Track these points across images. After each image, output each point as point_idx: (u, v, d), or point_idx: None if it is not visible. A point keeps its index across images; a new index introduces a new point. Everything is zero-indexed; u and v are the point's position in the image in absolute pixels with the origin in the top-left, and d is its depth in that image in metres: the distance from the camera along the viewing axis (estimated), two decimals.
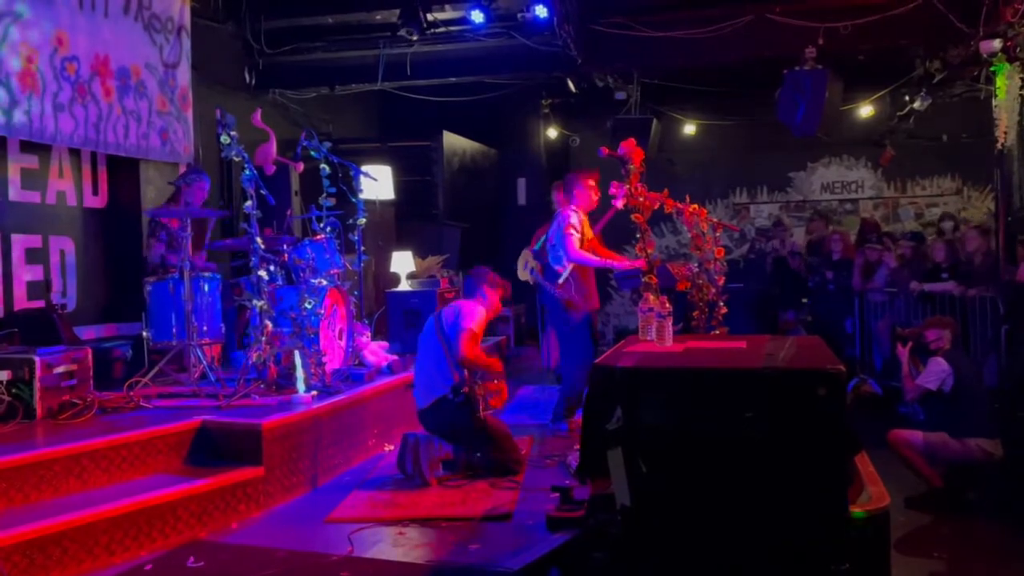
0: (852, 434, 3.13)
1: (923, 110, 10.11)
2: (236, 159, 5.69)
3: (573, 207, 6.28)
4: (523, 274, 7.54)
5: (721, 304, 5.63)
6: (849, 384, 8.05)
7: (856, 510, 3.23)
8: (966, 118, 10.64)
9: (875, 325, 8.98)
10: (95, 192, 7.06)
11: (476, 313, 5.25)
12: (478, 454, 5.14)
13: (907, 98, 10.31)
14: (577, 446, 3.95)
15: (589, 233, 6.32)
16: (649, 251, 5.01)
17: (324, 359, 5.75)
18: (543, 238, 6.78)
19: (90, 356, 5.36)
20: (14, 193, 6.32)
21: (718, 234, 5.92)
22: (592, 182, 6.29)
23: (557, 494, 4.33)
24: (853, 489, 3.32)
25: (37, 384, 4.94)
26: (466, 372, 5.11)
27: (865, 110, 10.76)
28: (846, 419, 3.07)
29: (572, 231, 6.14)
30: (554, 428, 6.35)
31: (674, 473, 3.20)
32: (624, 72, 9.93)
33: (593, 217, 6.58)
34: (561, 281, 6.22)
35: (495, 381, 5.24)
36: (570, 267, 6.18)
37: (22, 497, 4.08)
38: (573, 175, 6.41)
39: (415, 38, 8.95)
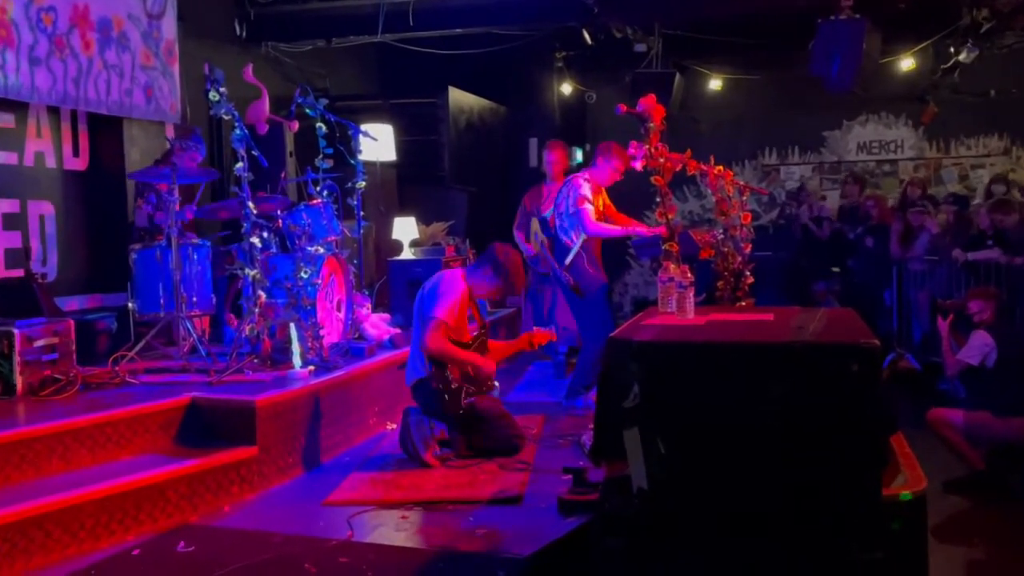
0: (887, 413, 3.13)
1: (969, 63, 9.96)
2: (226, 117, 5.67)
3: (587, 176, 6.29)
4: (530, 246, 7.56)
5: (747, 274, 5.61)
6: (885, 359, 8.04)
7: (891, 494, 3.23)
8: (1016, 72, 10.51)
9: (914, 296, 8.95)
10: (76, 153, 7.06)
11: (453, 294, 5.03)
12: (470, 437, 5.13)
13: (952, 50, 10.16)
14: (591, 425, 3.95)
15: (600, 203, 6.34)
16: (670, 217, 4.99)
17: (321, 332, 5.77)
18: (549, 210, 6.77)
19: (72, 329, 5.38)
20: None
21: (745, 198, 5.88)
22: (623, 167, 6.29)
23: (570, 476, 4.34)
24: (888, 472, 3.32)
25: (16, 359, 4.97)
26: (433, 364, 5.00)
27: (906, 63, 10.63)
28: (881, 397, 3.07)
29: (587, 204, 6.17)
30: (568, 405, 6.37)
31: (694, 454, 3.21)
32: (644, 22, 9.83)
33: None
34: (569, 260, 6.25)
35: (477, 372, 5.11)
36: (580, 240, 6.19)
37: (2, 478, 4.12)
38: (607, 147, 6.35)
39: None
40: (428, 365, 5.01)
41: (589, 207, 6.17)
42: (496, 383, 5.97)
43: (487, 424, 5.11)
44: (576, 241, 6.21)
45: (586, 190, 6.21)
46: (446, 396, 5.00)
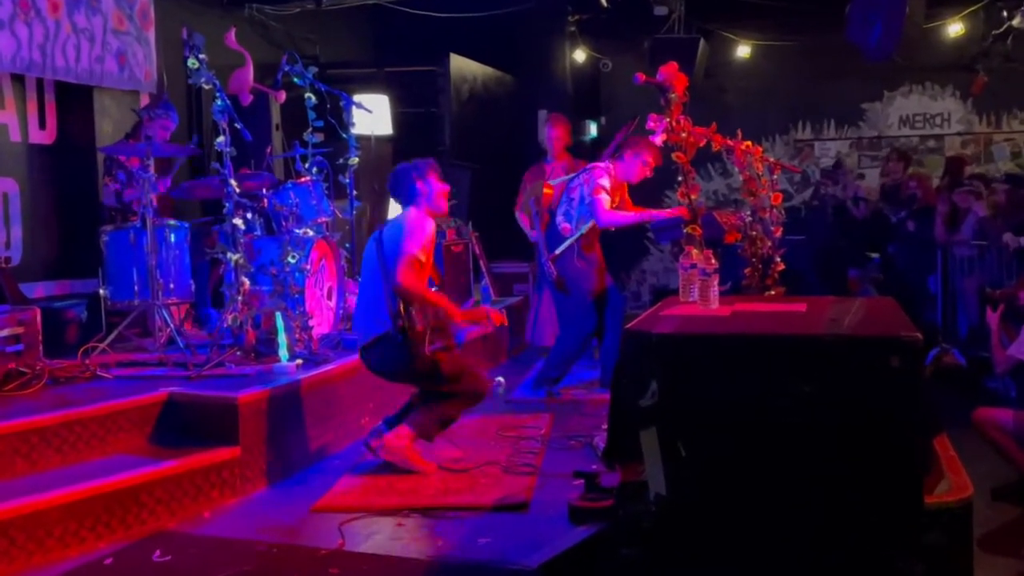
0: (931, 413, 3.13)
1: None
2: (206, 87, 5.67)
3: (609, 166, 6.35)
4: (524, 207, 7.57)
5: (778, 260, 5.60)
6: (928, 354, 8.02)
7: (934, 501, 3.23)
8: None
9: (960, 284, 8.91)
10: (42, 126, 7.06)
11: (423, 230, 4.98)
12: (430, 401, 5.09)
13: (1004, 14, 10.11)
14: (605, 425, 3.95)
15: (617, 199, 6.43)
16: (693, 197, 4.98)
17: (310, 322, 5.78)
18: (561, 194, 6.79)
19: (39, 317, 5.38)
20: None
21: (775, 177, 5.87)
22: (653, 163, 6.36)
23: (581, 481, 4.34)
24: (931, 477, 3.32)
25: None
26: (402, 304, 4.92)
27: (953, 28, 10.57)
28: (923, 395, 3.06)
29: (603, 194, 6.26)
30: (530, 396, 6.61)
31: (717, 457, 3.21)
32: None
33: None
34: (560, 251, 6.37)
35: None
36: (579, 233, 6.34)
37: None
38: (636, 141, 6.41)
39: None
40: (390, 318, 4.91)
41: (605, 197, 6.27)
42: (502, 379, 5.99)
43: (446, 383, 5.03)
44: (574, 231, 6.30)
45: (605, 181, 6.31)
46: (412, 349, 4.88)
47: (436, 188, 5.09)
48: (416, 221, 5.01)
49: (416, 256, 4.89)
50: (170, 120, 6.62)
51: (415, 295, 4.88)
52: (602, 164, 6.45)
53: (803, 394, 3.09)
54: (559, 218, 6.51)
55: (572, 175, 6.67)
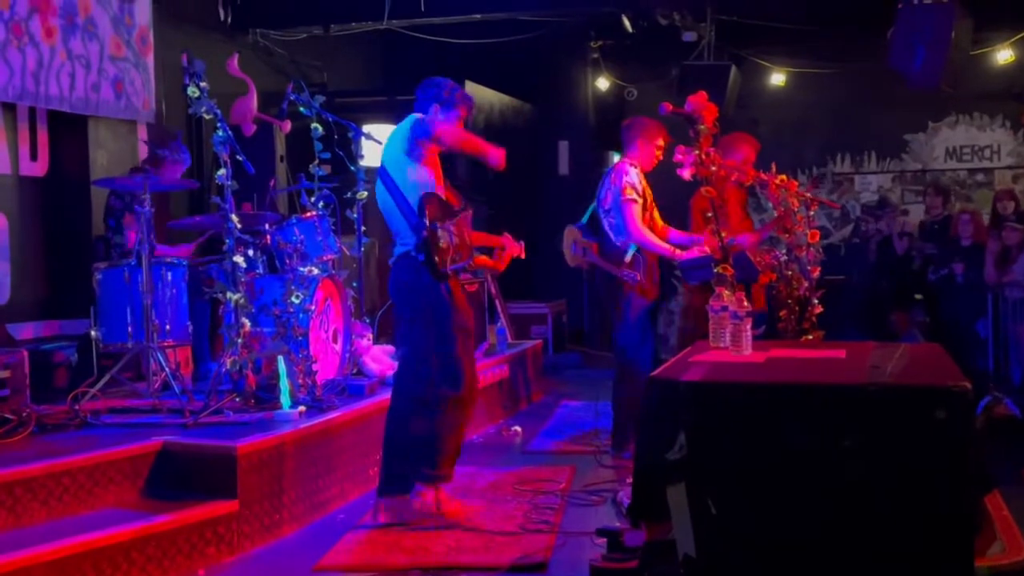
0: (982, 468, 3.10)
1: None
2: (207, 116, 5.71)
3: (630, 160, 6.28)
4: (572, 259, 7.45)
5: (815, 302, 5.59)
6: (979, 404, 7.95)
7: (985, 564, 3.20)
8: None
9: (1013, 329, 8.86)
10: (34, 157, 7.14)
11: (418, 121, 5.19)
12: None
13: None
14: (629, 480, 3.93)
15: (650, 194, 6.28)
16: (724, 234, 4.98)
17: (314, 367, 5.78)
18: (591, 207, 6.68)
19: (27, 360, 5.43)
20: None
21: (812, 213, 5.87)
22: (662, 142, 6.25)
23: (604, 540, 4.32)
24: (982, 538, 3.28)
25: None
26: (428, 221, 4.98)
27: (1003, 55, 10.60)
28: (974, 449, 3.04)
29: (632, 196, 6.10)
30: (616, 455, 6.30)
31: (750, 516, 3.18)
32: (694, 6, 9.86)
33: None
34: (629, 257, 6.16)
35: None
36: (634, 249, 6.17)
37: None
38: (642, 123, 6.32)
39: None
40: (413, 231, 4.99)
41: (636, 207, 6.09)
42: (519, 428, 5.97)
43: (445, 340, 5.06)
44: (631, 244, 6.18)
45: (635, 176, 6.15)
46: (435, 258, 4.92)
47: (445, 121, 5.28)
48: (418, 119, 5.21)
49: (437, 131, 5.09)
50: (182, 162, 6.71)
51: (456, 140, 5.21)
52: (624, 161, 6.26)
53: (843, 448, 3.07)
54: (611, 234, 6.29)
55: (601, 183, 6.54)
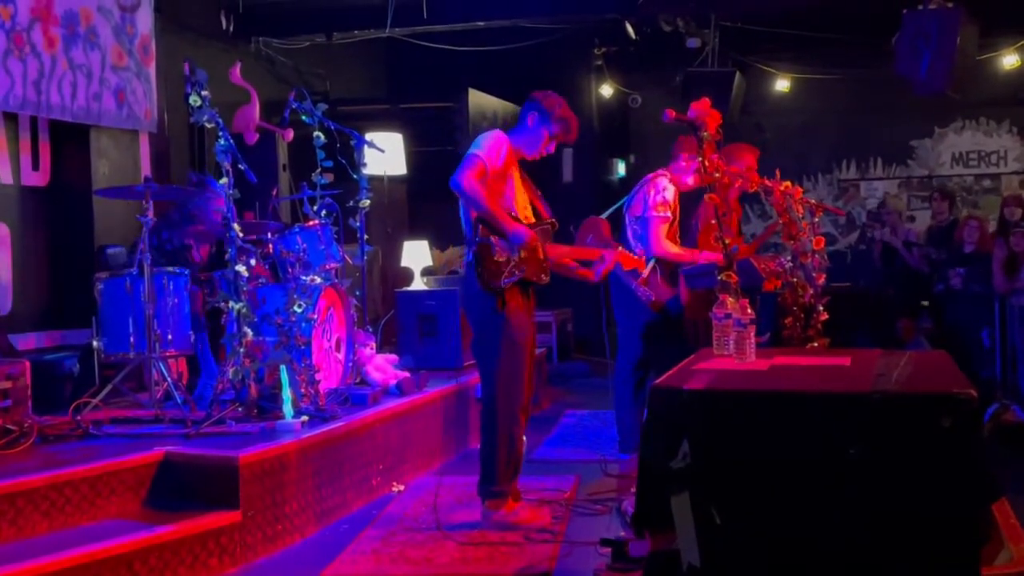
0: (989, 476, 3.09)
1: None
2: (209, 125, 5.72)
3: (669, 175, 6.31)
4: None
5: (820, 309, 5.58)
6: (986, 412, 7.94)
7: (993, 574, 3.18)
8: None
9: (1019, 336, 8.84)
10: (35, 167, 7.16)
11: (495, 139, 5.20)
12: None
13: None
14: (634, 489, 3.93)
15: (678, 214, 6.32)
16: (728, 241, 4.97)
17: (317, 376, 5.79)
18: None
19: (28, 371, 5.43)
20: None
21: (818, 219, 5.86)
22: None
23: (608, 549, 4.32)
24: (989, 547, 3.27)
25: None
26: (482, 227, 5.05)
27: (1009, 60, 10.59)
28: (980, 457, 3.03)
29: (663, 213, 6.17)
30: (627, 459, 6.31)
31: (755, 525, 3.18)
32: (698, 12, 9.88)
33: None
34: (646, 272, 6.14)
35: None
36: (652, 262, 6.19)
37: None
38: (686, 140, 6.20)
39: None
40: (475, 231, 5.05)
41: (663, 225, 6.16)
42: (523, 437, 5.94)
43: (495, 350, 5.06)
44: (650, 256, 6.18)
45: (670, 194, 6.22)
46: (486, 266, 4.97)
47: (532, 135, 5.44)
48: (488, 135, 5.27)
49: (481, 158, 5.06)
50: (219, 196, 6.71)
51: (472, 199, 5.05)
52: (661, 173, 6.31)
53: (848, 456, 3.07)
54: (632, 240, 6.34)
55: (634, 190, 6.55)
